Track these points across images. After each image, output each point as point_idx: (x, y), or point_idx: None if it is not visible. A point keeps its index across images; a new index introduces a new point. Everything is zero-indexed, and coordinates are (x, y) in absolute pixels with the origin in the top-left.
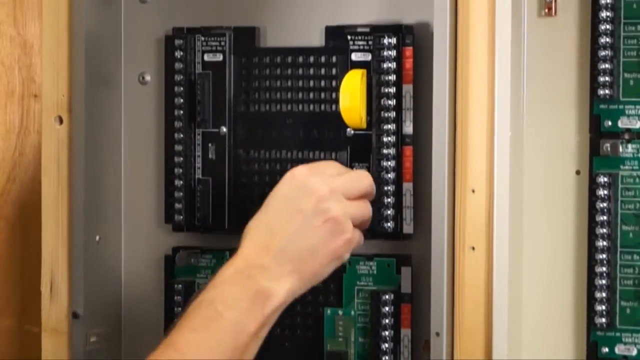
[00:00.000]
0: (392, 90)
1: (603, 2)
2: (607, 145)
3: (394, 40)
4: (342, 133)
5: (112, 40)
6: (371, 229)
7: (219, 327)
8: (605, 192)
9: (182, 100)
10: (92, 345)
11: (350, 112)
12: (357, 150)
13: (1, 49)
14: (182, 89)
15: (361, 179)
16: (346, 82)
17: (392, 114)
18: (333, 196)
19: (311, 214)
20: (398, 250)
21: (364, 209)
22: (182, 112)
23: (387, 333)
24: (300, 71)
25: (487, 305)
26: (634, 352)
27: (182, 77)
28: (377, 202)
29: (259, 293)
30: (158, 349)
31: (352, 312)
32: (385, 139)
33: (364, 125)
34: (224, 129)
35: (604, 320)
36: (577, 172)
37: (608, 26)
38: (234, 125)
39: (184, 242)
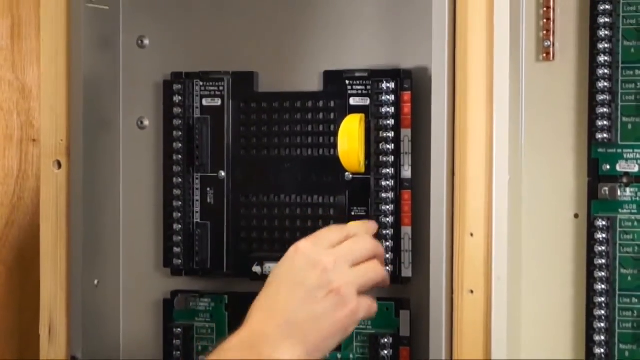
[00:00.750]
0: (391, 134)
1: (601, 46)
2: (605, 189)
3: (392, 85)
4: (341, 177)
5: (110, 85)
6: None
7: None
8: (604, 235)
9: (180, 145)
10: None
11: (349, 157)
12: (356, 194)
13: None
14: (180, 133)
15: (364, 242)
16: (344, 126)
17: (391, 158)
18: (337, 267)
19: (315, 286)
20: (397, 293)
21: (372, 272)
22: (180, 156)
23: None
24: (299, 116)
25: (486, 349)
26: None
27: (180, 121)
28: None
29: None
30: None
31: (351, 356)
32: (383, 183)
33: (363, 170)
34: (223, 174)
35: None
36: (576, 216)
37: (606, 70)
38: (232, 169)
39: (182, 285)
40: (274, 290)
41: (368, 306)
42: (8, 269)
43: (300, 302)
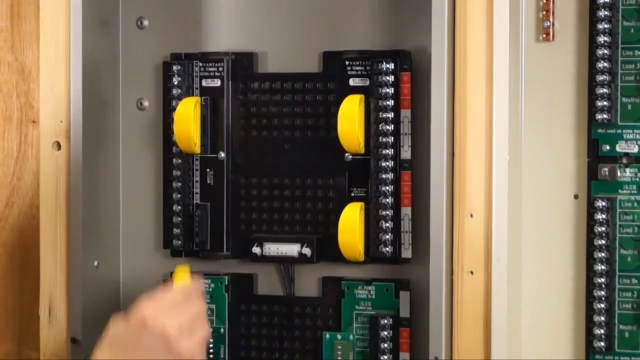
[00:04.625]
0: (390, 115)
1: (601, 27)
2: (605, 170)
3: (391, 66)
4: (340, 158)
5: (110, 66)
6: (370, 254)
7: None
8: (604, 216)
9: None
10: None
11: (349, 137)
12: (355, 175)
13: None
14: None
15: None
16: (344, 107)
17: (390, 139)
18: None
19: None
20: (396, 274)
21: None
22: None
23: (385, 357)
24: (298, 97)
25: (485, 329)
26: None
27: (180, 102)
28: (376, 227)
29: None
30: None
31: (351, 337)
32: (383, 164)
33: (362, 150)
34: (222, 155)
35: (602, 344)
36: (576, 197)
37: (606, 51)
38: (232, 150)
39: None
40: None
41: None
42: (8, 251)
43: None
